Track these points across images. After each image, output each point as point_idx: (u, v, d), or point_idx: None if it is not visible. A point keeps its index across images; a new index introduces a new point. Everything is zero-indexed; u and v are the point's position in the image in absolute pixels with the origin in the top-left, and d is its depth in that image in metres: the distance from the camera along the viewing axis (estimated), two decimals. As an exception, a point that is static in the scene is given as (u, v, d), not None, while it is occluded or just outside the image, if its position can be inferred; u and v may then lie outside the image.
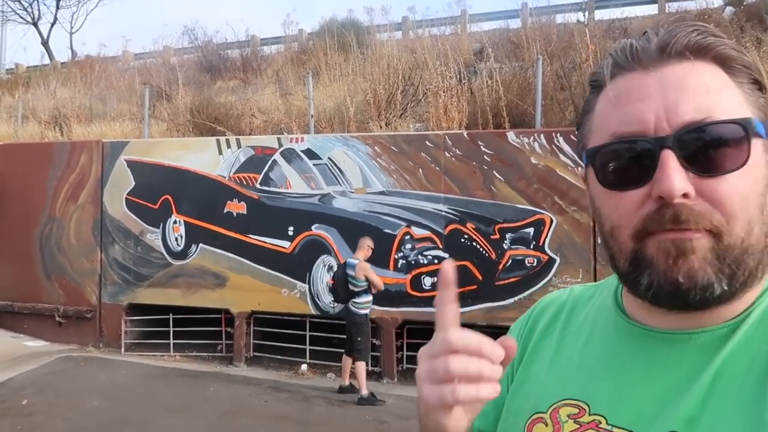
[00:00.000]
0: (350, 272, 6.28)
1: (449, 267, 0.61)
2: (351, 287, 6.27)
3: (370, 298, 6.40)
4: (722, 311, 0.66)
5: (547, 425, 0.74)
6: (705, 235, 0.61)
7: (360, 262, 6.30)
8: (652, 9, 15.00)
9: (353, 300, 6.31)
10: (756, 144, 0.63)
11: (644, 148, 0.63)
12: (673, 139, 0.62)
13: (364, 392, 6.24)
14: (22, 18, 17.57)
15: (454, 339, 0.66)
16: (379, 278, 6.43)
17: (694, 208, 0.61)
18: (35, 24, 17.94)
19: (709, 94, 0.63)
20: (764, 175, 0.65)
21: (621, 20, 12.25)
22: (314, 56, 12.72)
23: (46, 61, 18.78)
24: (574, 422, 0.73)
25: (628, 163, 0.65)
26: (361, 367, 6.28)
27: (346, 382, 6.56)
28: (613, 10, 13.80)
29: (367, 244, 6.47)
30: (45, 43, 17.73)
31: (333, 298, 6.95)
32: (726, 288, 0.63)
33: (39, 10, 17.54)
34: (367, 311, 6.43)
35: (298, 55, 13.26)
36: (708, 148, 0.62)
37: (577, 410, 0.73)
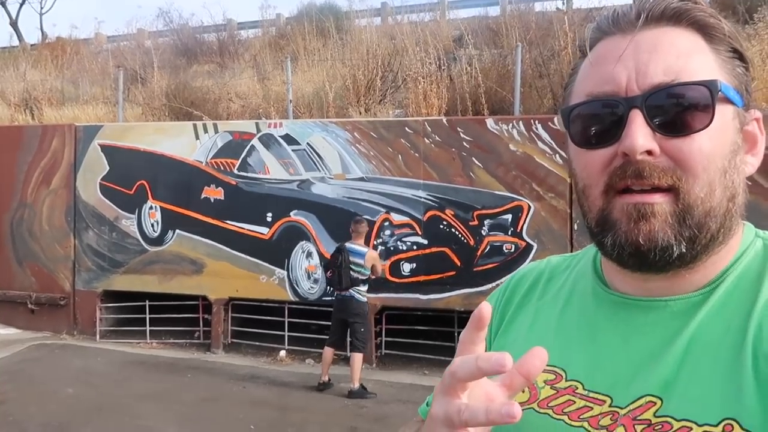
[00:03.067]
0: (357, 260, 6.11)
1: (486, 310, 0.57)
2: (355, 275, 6.12)
3: (367, 286, 6.30)
4: (695, 277, 0.68)
5: (523, 392, 0.74)
6: (666, 197, 0.64)
7: (370, 250, 6.26)
8: (629, -2, 15.09)
9: (357, 288, 6.19)
10: (723, 109, 0.66)
11: (614, 108, 0.66)
12: (641, 99, 0.64)
13: (356, 385, 6.09)
14: (-11, -3, 17.03)
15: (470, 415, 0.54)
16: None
17: (657, 164, 0.63)
18: (3, 4, 17.40)
19: (679, 57, 0.65)
20: (732, 140, 0.67)
21: (599, 9, 12.33)
22: (292, 41, 12.56)
23: (15, 42, 18.25)
24: (551, 388, 0.74)
25: (599, 122, 0.67)
26: (360, 359, 6.17)
27: (326, 378, 6.31)
28: (592, -1, 13.91)
29: (365, 229, 6.39)
30: (14, 24, 17.22)
31: (333, 286, 6.45)
32: (684, 250, 0.65)
33: (8, -11, 17.03)
34: (366, 300, 6.33)
35: (276, 40, 13.09)
36: (674, 109, 0.64)
37: (554, 376, 0.74)
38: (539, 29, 10.30)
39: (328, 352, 6.33)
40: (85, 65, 13.85)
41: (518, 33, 9.88)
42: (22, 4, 17.38)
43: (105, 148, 8.70)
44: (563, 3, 11.38)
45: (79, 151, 8.83)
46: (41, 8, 17.63)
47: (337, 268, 6.10)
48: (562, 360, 0.74)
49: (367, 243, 7.18)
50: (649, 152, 0.63)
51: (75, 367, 6.99)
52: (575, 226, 6.54)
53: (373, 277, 6.29)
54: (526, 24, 10.78)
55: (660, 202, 0.64)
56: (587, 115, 0.69)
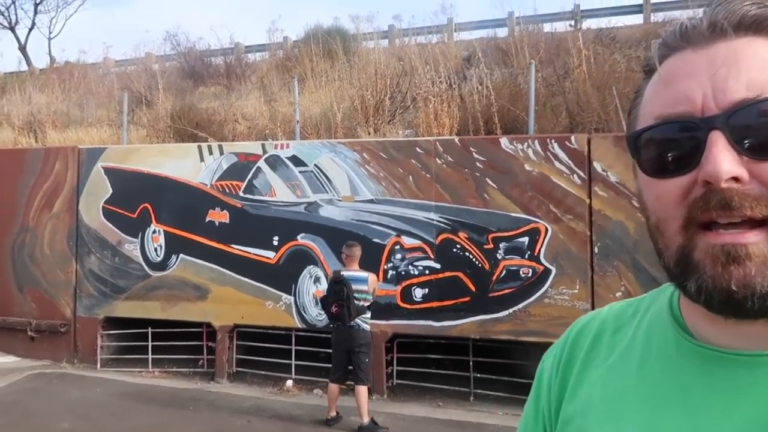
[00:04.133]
0: (360, 287, 5.77)
1: None
2: (360, 303, 5.77)
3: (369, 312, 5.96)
4: None
5: None
6: (762, 234, 0.55)
7: (370, 274, 5.95)
8: (638, 19, 15.01)
9: (363, 317, 5.84)
10: None
11: (690, 130, 0.58)
12: (722, 119, 0.56)
13: (365, 420, 5.69)
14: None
15: None
16: None
17: (747, 192, 0.55)
18: (12, 29, 17.48)
19: (764, 70, 0.57)
20: None
21: (608, 29, 12.18)
22: (299, 63, 12.47)
23: (24, 67, 18.30)
24: None
25: (673, 147, 0.60)
26: (365, 392, 5.75)
27: (333, 413, 5.95)
28: (601, 19, 13.82)
29: (359, 253, 6.05)
30: (22, 49, 17.27)
31: (342, 321, 5.80)
32: None
33: (16, 14, 17.08)
34: (370, 329, 5.95)
35: (283, 62, 12.99)
36: (762, 128, 0.56)
37: None
38: (549, 49, 10.14)
39: (334, 388, 5.94)
40: (92, 88, 13.80)
41: (528, 52, 9.72)
42: (30, 29, 17.47)
43: (108, 171, 8.51)
44: (574, 22, 11.25)
45: (82, 173, 8.65)
46: (50, 33, 17.69)
47: (344, 301, 5.67)
48: (650, 427, 0.64)
49: (375, 269, 6.93)
50: (736, 179, 0.55)
51: (72, 399, 6.70)
52: (595, 249, 6.24)
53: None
54: (536, 44, 10.63)
55: (755, 241, 0.55)
56: (659, 140, 0.61)
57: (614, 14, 14.74)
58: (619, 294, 6.15)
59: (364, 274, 5.92)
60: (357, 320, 5.80)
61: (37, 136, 9.80)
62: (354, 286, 5.74)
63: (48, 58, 17.37)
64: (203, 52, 15.41)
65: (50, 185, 8.83)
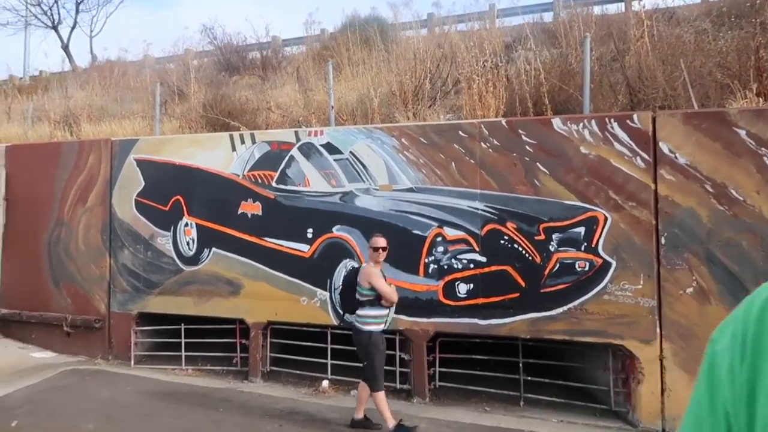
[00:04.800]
0: (359, 279, 5.40)
1: None
2: (357, 296, 5.37)
3: (379, 312, 5.31)
4: None
5: None
6: None
7: (365, 265, 5.47)
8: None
9: (357, 313, 5.40)
10: None
11: None
12: None
13: (390, 425, 5.23)
14: (42, 22, 17.31)
15: None
16: (390, 287, 5.34)
17: None
18: (55, 28, 17.68)
19: None
20: None
21: (666, 8, 11.34)
22: (336, 53, 12.05)
23: (68, 66, 18.52)
24: None
25: None
26: (379, 397, 5.26)
27: (360, 415, 5.53)
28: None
29: (371, 244, 5.48)
30: (65, 48, 17.44)
31: (338, 307, 5.76)
32: None
33: (59, 13, 17.28)
34: (373, 328, 5.30)
35: (320, 52, 12.60)
36: None
37: None
38: (602, 30, 9.42)
39: (362, 387, 5.49)
40: (130, 84, 13.74)
41: (580, 31, 9.02)
42: (72, 28, 17.62)
43: (140, 163, 8.28)
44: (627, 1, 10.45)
45: (114, 166, 8.45)
46: (91, 31, 17.82)
47: (345, 285, 5.54)
48: None
49: (415, 263, 6.47)
50: None
51: (102, 398, 6.44)
52: (662, 240, 5.58)
53: (386, 304, 5.32)
54: (587, 23, 9.91)
55: None
56: None
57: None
58: (690, 290, 5.48)
59: (365, 264, 5.53)
60: (354, 319, 5.41)
61: (72, 130, 9.67)
62: (358, 276, 5.44)
63: (90, 57, 17.48)
64: (240, 47, 15.20)
65: (84, 178, 8.68)
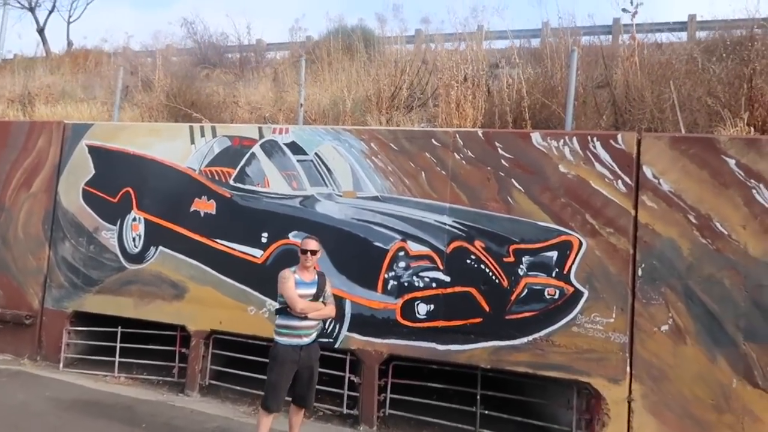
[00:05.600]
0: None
1: None
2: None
3: (291, 322, 4.75)
4: None
5: None
6: None
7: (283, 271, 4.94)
8: (681, 36, 13.94)
9: (276, 325, 4.89)
10: None
11: None
12: None
13: None
14: (19, 2, 16.69)
15: None
16: (296, 296, 4.70)
17: None
18: (32, 9, 17.05)
19: None
20: None
21: (654, 43, 11.15)
22: (318, 58, 11.65)
23: (42, 52, 17.84)
24: None
25: None
26: (261, 418, 4.78)
27: None
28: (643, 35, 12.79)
29: (300, 245, 4.95)
30: (40, 31, 16.80)
31: None
32: None
33: (37, -5, 16.68)
34: (281, 340, 4.76)
35: (299, 53, 12.17)
36: None
37: None
38: (588, 56, 9.13)
39: (292, 410, 5.00)
40: (101, 71, 13.17)
41: (566, 53, 8.72)
42: (51, 12, 17.01)
43: (92, 150, 7.70)
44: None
45: (65, 151, 7.86)
46: (69, 17, 17.22)
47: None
48: None
49: (374, 278, 5.98)
50: None
51: (13, 404, 5.77)
52: (639, 271, 5.16)
53: (295, 314, 4.75)
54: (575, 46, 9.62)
55: None
56: None
57: (658, 30, 13.73)
58: (665, 328, 5.05)
59: None
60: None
61: (26, 111, 9.05)
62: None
63: (66, 43, 16.86)
64: (220, 45, 14.72)
65: (31, 162, 8.07)
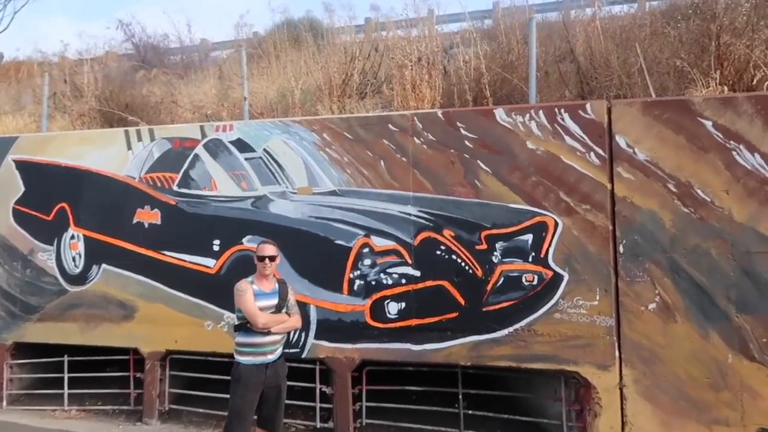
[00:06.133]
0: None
1: None
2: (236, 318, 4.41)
3: (252, 339, 4.27)
4: None
5: None
6: None
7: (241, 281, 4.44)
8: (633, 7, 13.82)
9: (236, 344, 4.39)
10: None
11: None
12: None
13: None
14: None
15: None
16: (257, 310, 4.22)
17: None
18: (-45, 22, 15.92)
19: None
20: None
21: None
22: (265, 52, 11.09)
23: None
24: None
25: None
26: None
27: None
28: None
29: (256, 251, 4.45)
30: (-34, 45, 15.69)
31: None
32: None
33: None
34: (243, 360, 4.28)
35: (248, 51, 11.57)
36: None
37: None
38: (542, 31, 8.81)
39: None
40: (34, 83, 12.30)
41: (521, 30, 8.37)
42: (-25, 23, 15.86)
43: (20, 165, 7.00)
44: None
45: (-11, 169, 7.14)
46: (-3, 28, 16.11)
47: None
48: None
49: (338, 279, 5.53)
50: None
51: (-58, 453, 5.13)
52: (620, 249, 4.81)
53: (256, 329, 4.26)
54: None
55: None
56: None
57: (611, 3, 13.57)
58: (652, 306, 4.72)
59: None
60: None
61: (-56, 128, 8.26)
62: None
63: (-4, 55, 15.77)
64: (163, 49, 13.96)
65: (-47, 184, 7.31)
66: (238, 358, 4.31)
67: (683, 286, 4.66)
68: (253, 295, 4.29)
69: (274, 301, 4.37)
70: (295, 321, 4.49)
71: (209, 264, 6.04)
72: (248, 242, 5.90)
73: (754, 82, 4.98)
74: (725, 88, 5.07)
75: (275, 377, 4.34)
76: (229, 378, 5.56)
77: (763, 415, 4.44)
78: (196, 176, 6.19)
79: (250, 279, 4.41)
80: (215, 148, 6.14)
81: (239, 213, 5.98)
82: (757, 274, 4.52)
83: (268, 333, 4.28)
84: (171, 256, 6.18)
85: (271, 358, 4.33)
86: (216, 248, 6.03)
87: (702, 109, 4.69)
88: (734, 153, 4.60)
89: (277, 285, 4.46)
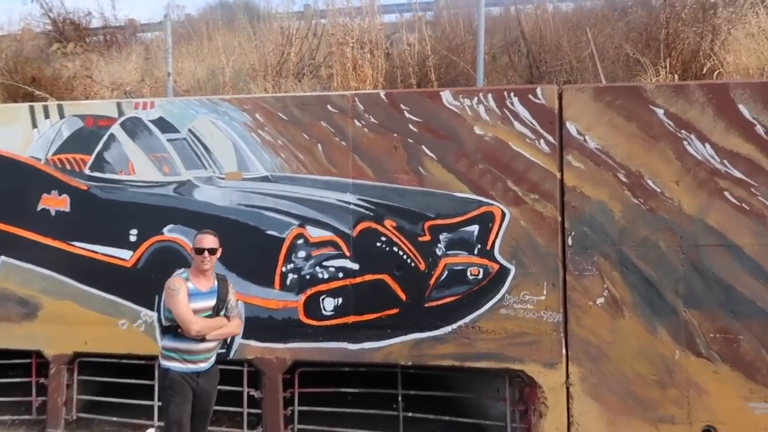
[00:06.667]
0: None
1: None
2: (162, 319, 3.84)
3: (183, 344, 3.73)
4: None
5: None
6: None
7: (173, 276, 3.90)
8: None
9: (162, 346, 3.88)
10: None
11: None
12: None
13: None
14: None
15: None
16: (191, 315, 3.67)
17: None
18: None
19: None
20: None
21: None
22: (196, 32, 10.40)
23: None
24: None
25: None
26: None
27: None
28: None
29: (194, 243, 3.94)
30: None
31: None
32: None
33: None
34: (173, 365, 3.74)
35: (177, 31, 10.83)
36: None
37: None
38: (489, 20, 8.61)
39: None
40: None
41: (463, 24, 8.12)
42: None
43: None
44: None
45: None
46: None
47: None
48: None
49: (269, 273, 5.09)
50: None
51: None
52: (569, 241, 4.60)
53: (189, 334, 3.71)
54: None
55: None
56: None
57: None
58: (600, 301, 4.53)
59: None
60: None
61: None
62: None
63: None
64: (84, 26, 12.92)
65: None
66: (166, 363, 3.76)
67: (632, 279, 4.49)
68: (187, 295, 3.72)
69: (212, 302, 3.82)
70: (235, 326, 3.94)
71: (125, 256, 5.43)
72: (169, 232, 5.34)
73: (704, 71, 4.90)
74: (675, 76, 4.96)
75: (206, 388, 3.83)
76: (146, 382, 5.04)
77: (709, 413, 4.33)
78: (112, 158, 5.56)
79: (184, 274, 3.85)
80: (134, 128, 5.54)
81: (160, 200, 5.40)
82: (705, 267, 4.40)
83: (203, 340, 3.73)
84: (81, 248, 5.53)
85: (203, 366, 3.82)
86: (133, 239, 5.43)
87: (654, 97, 4.53)
88: (685, 143, 4.46)
89: (215, 283, 3.91)
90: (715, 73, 4.89)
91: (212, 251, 3.84)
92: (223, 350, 5.08)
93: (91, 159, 5.60)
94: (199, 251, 3.81)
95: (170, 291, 3.71)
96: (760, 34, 4.87)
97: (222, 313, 3.85)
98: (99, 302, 5.43)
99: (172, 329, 3.74)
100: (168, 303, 3.72)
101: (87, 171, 5.59)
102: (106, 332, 5.40)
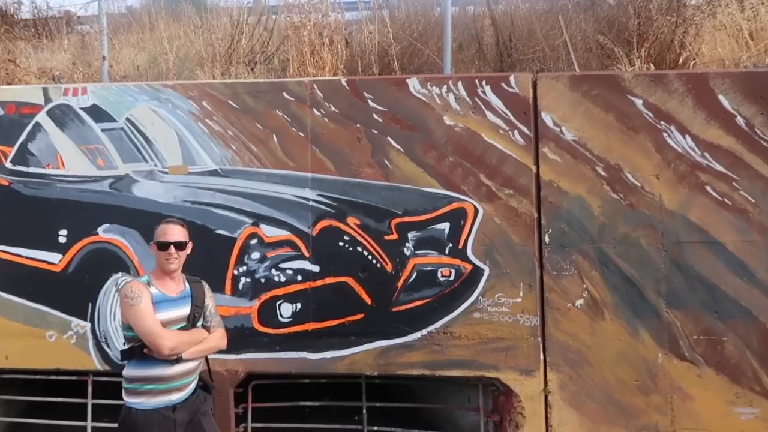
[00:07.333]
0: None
1: None
2: (123, 340, 3.02)
3: (149, 371, 2.92)
4: None
5: None
6: None
7: (129, 281, 3.25)
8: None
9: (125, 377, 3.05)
10: None
11: None
12: None
13: None
14: None
15: None
16: (159, 329, 2.86)
17: None
18: None
19: None
20: None
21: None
22: (138, 21, 9.74)
23: None
24: None
25: None
26: None
27: None
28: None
29: (156, 236, 3.15)
30: None
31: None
32: None
33: None
34: (135, 401, 2.93)
35: (116, 20, 10.12)
36: None
37: None
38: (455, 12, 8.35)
39: None
40: None
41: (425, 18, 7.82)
42: None
43: None
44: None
45: None
46: None
47: None
48: None
49: (220, 276, 4.61)
50: None
51: None
52: (546, 238, 4.31)
53: (155, 354, 2.91)
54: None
55: None
56: None
57: None
58: (580, 302, 4.25)
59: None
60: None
61: None
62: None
63: None
64: (12, 16, 11.98)
65: None
66: (130, 400, 2.94)
67: (612, 279, 4.24)
68: (152, 303, 2.91)
69: (185, 310, 3.04)
70: (218, 338, 3.14)
71: (53, 260, 4.82)
72: (105, 233, 4.77)
73: (680, 61, 4.73)
74: (651, 66, 4.77)
75: (192, 416, 2.99)
76: (78, 400, 4.47)
77: (693, 419, 4.11)
78: (37, 150, 4.93)
79: (144, 278, 3.07)
80: (63, 116, 4.93)
81: (94, 196, 4.82)
82: (687, 265, 4.19)
83: (179, 360, 2.92)
84: (2, 251, 4.88)
85: (183, 395, 2.98)
86: (62, 240, 4.82)
87: (632, 86, 4.30)
88: (665, 134, 4.25)
89: (187, 286, 3.15)
90: (692, 63, 4.74)
91: (180, 245, 3.07)
92: (167, 364, 4.56)
93: (13, 151, 4.96)
94: (163, 246, 3.04)
95: (127, 300, 2.88)
96: (732, 26, 4.75)
97: (199, 323, 3.09)
98: (22, 311, 4.80)
99: (136, 351, 2.92)
100: (127, 317, 2.90)
101: (8, 165, 4.95)
102: (31, 345, 4.77)
